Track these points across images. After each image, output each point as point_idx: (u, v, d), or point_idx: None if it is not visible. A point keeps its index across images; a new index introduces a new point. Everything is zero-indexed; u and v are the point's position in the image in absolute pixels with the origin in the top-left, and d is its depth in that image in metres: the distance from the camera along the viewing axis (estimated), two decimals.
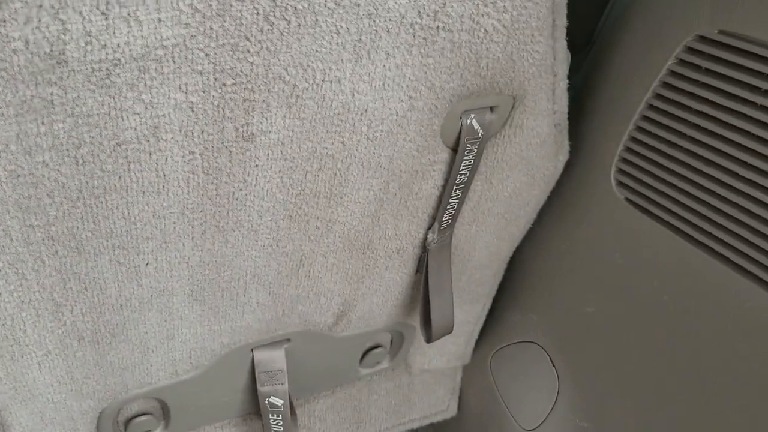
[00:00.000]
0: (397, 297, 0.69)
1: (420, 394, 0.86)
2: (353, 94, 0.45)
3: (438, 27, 0.43)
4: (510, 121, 0.56)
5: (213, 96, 0.40)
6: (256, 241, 0.52)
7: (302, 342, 0.68)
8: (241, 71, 0.39)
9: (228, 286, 0.55)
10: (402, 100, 0.47)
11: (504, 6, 0.45)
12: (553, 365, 0.74)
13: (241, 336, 0.62)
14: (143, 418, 0.65)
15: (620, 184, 0.62)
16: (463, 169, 0.57)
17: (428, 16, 0.42)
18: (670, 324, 0.60)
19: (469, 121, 0.53)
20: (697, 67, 0.53)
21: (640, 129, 0.59)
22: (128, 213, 0.44)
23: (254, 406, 0.72)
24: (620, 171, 0.62)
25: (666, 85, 0.55)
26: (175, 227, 0.47)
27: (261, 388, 0.67)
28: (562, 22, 0.50)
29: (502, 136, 0.57)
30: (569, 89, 0.57)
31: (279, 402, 0.68)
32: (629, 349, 0.65)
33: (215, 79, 0.39)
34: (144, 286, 0.50)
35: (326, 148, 0.48)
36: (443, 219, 0.61)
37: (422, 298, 0.69)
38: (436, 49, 0.45)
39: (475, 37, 0.46)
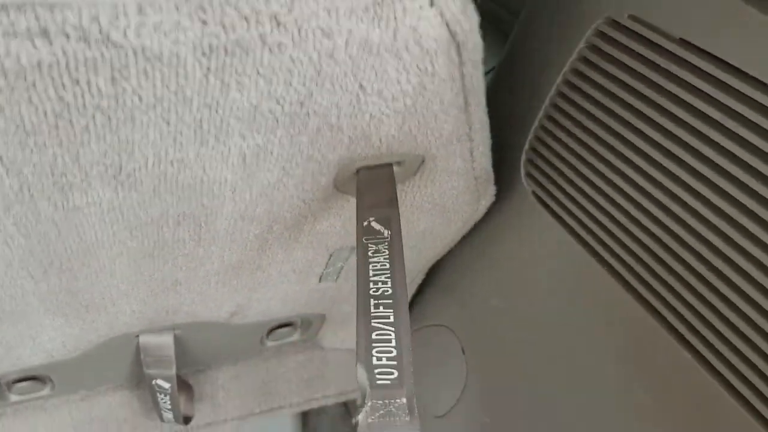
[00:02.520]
0: (296, 300, 0.65)
1: (335, 369, 0.84)
2: (203, 170, 0.39)
3: (308, 113, 0.37)
4: (420, 174, 0.50)
5: (10, 183, 0.35)
6: (113, 276, 0.49)
7: (194, 330, 0.64)
8: (41, 160, 0.34)
9: (91, 304, 0.52)
10: (271, 171, 0.42)
11: (392, 95, 0.38)
12: (463, 353, 0.71)
13: (121, 328, 0.59)
14: (27, 382, 0.64)
15: (529, 175, 0.56)
16: None
17: (290, 105, 0.36)
18: (561, 331, 0.56)
19: None
20: (608, 56, 0.47)
21: (550, 118, 0.52)
22: None
23: (144, 381, 0.70)
24: (530, 161, 0.56)
25: (576, 72, 0.49)
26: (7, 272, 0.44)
27: (147, 371, 0.64)
28: (478, 100, 0.43)
29: (411, 185, 0.51)
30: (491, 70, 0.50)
31: (166, 385, 0.66)
32: (526, 348, 0.61)
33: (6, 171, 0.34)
34: None
35: (182, 212, 0.43)
36: None
37: None
38: (309, 128, 0.39)
39: (359, 120, 0.39)
